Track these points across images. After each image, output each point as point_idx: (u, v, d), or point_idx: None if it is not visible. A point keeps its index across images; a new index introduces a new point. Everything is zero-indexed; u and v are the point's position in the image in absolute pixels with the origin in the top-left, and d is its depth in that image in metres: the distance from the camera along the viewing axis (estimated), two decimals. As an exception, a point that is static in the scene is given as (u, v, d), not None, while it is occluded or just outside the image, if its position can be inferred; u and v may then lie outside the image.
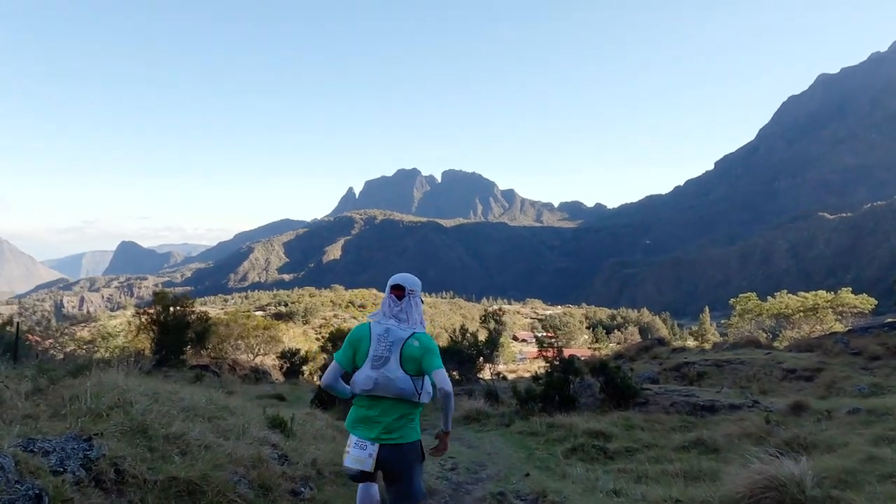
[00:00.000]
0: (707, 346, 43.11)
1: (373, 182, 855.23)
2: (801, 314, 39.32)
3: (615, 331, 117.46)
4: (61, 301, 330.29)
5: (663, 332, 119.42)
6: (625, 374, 11.45)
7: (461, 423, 11.37)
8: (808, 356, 18.57)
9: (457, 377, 16.28)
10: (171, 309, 20.93)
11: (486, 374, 17.55)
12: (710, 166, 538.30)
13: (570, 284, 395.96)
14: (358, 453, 3.04)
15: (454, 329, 17.26)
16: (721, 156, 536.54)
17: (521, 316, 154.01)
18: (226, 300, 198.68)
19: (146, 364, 20.67)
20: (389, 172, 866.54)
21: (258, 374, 27.47)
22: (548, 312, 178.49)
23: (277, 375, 27.89)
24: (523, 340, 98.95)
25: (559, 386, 11.07)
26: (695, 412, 10.02)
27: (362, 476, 3.14)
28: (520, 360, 56.18)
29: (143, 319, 20.99)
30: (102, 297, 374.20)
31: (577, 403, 11.20)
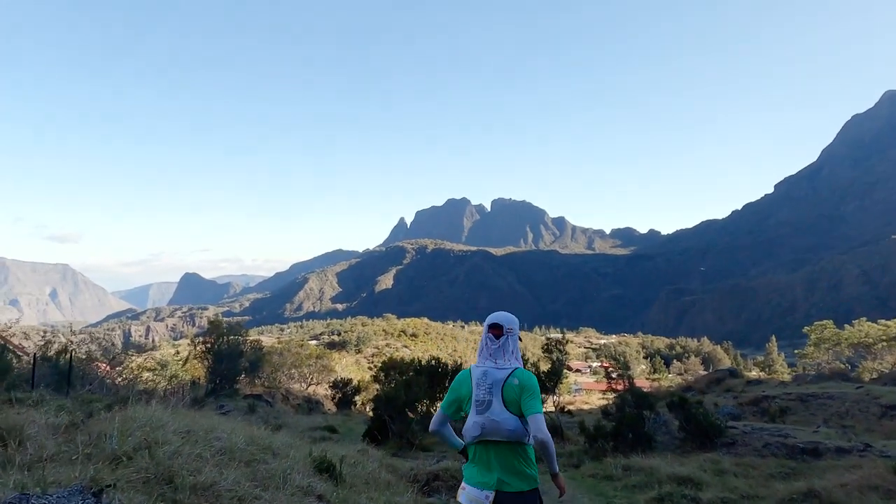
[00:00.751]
0: (780, 377, 40.31)
1: (423, 212, 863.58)
2: (884, 343, 36.52)
3: (674, 361, 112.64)
4: (129, 330, 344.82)
5: (726, 362, 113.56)
6: (706, 410, 10.28)
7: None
8: (909, 390, 16.68)
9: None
10: (225, 337, 20.81)
11: (548, 406, 16.45)
12: (770, 189, 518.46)
13: (624, 313, 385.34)
14: (475, 493, 2.91)
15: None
16: (781, 178, 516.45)
17: (574, 345, 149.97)
18: (282, 329, 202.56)
19: (198, 392, 20.58)
20: (439, 202, 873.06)
21: (311, 404, 27.10)
22: (602, 341, 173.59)
23: (330, 405, 27.45)
24: (577, 370, 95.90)
25: (633, 423, 10.01)
26: (794, 456, 8.77)
27: None
28: (575, 392, 54.17)
29: (198, 348, 20.94)
30: (167, 326, 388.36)
31: (653, 442, 10.10)
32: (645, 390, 18.30)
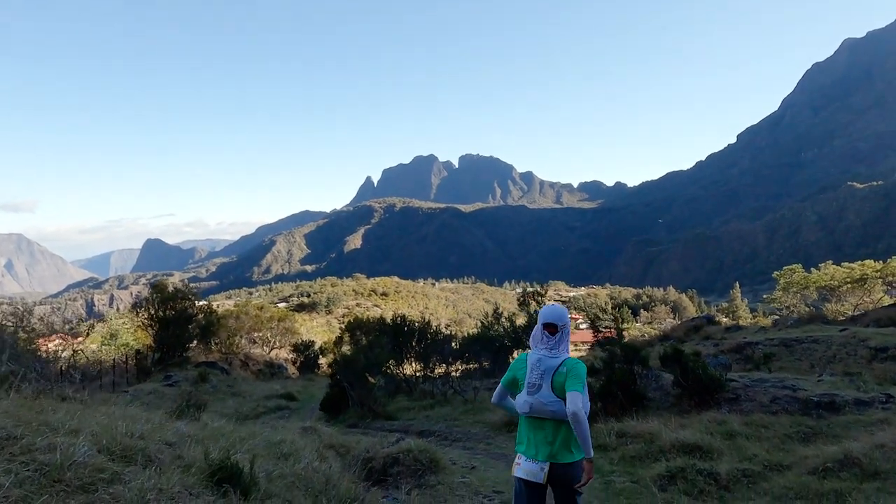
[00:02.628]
0: (742, 322, 40.27)
1: (390, 170, 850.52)
2: (849, 286, 36.87)
3: (642, 311, 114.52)
4: (92, 299, 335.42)
5: (691, 310, 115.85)
6: (705, 363, 9.13)
7: (502, 430, 9.16)
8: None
9: (488, 367, 14.08)
10: (171, 302, 18.98)
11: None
12: (733, 139, 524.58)
13: (592, 265, 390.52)
14: (530, 466, 3.23)
15: (486, 314, 15.02)
16: (744, 128, 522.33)
17: (545, 300, 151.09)
18: (250, 293, 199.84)
19: (144, 363, 18.89)
20: (406, 160, 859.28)
21: (273, 369, 25.69)
22: (571, 294, 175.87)
23: (294, 370, 26.07)
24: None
25: (624, 380, 8.80)
26: (808, 411, 7.68)
27: (529, 492, 3.27)
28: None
29: (140, 315, 19.09)
30: (131, 294, 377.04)
31: (645, 401, 8.96)
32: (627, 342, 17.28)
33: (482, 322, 14.52)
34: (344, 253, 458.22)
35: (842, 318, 27.93)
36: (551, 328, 3.36)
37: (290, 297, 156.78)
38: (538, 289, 13.66)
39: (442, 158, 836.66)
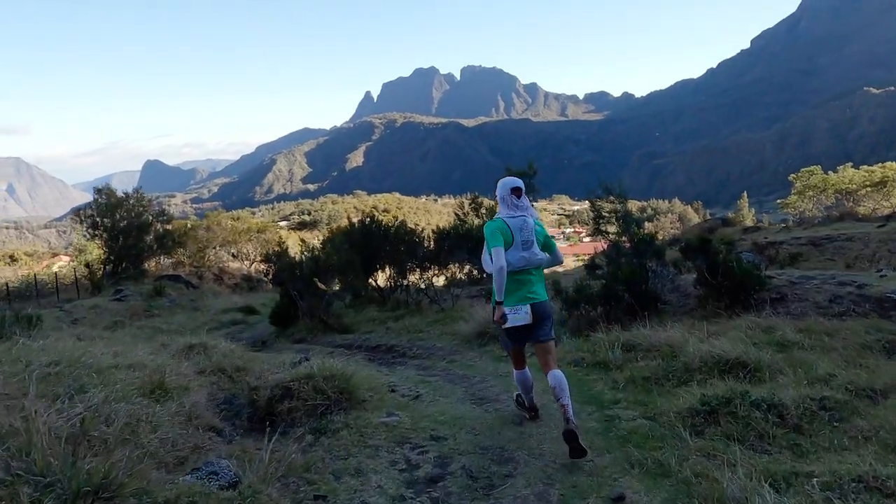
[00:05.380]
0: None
1: (390, 84, 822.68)
2: (867, 189, 34.84)
3: (646, 223, 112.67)
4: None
5: (696, 221, 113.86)
6: (738, 256, 7.03)
7: (472, 343, 7.18)
8: (945, 226, 13.99)
9: (471, 273, 11.97)
10: (119, 210, 16.83)
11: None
12: (747, 45, 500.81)
13: (597, 179, 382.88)
14: (518, 315, 3.68)
15: (461, 203, 12.81)
16: (758, 32, 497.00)
17: (548, 213, 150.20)
18: (253, 213, 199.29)
19: (95, 277, 17.05)
20: (406, 73, 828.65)
21: (251, 283, 24.04)
22: (575, 208, 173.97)
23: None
24: (551, 237, 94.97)
25: (633, 278, 6.73)
26: (886, 313, 5.65)
27: (521, 335, 3.81)
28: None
29: (84, 224, 17.01)
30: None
31: (661, 304, 6.96)
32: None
33: (456, 214, 12.40)
34: (346, 171, 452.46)
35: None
36: (517, 191, 3.96)
37: (291, 215, 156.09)
38: (529, 166, 11.39)
39: (443, 71, 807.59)
